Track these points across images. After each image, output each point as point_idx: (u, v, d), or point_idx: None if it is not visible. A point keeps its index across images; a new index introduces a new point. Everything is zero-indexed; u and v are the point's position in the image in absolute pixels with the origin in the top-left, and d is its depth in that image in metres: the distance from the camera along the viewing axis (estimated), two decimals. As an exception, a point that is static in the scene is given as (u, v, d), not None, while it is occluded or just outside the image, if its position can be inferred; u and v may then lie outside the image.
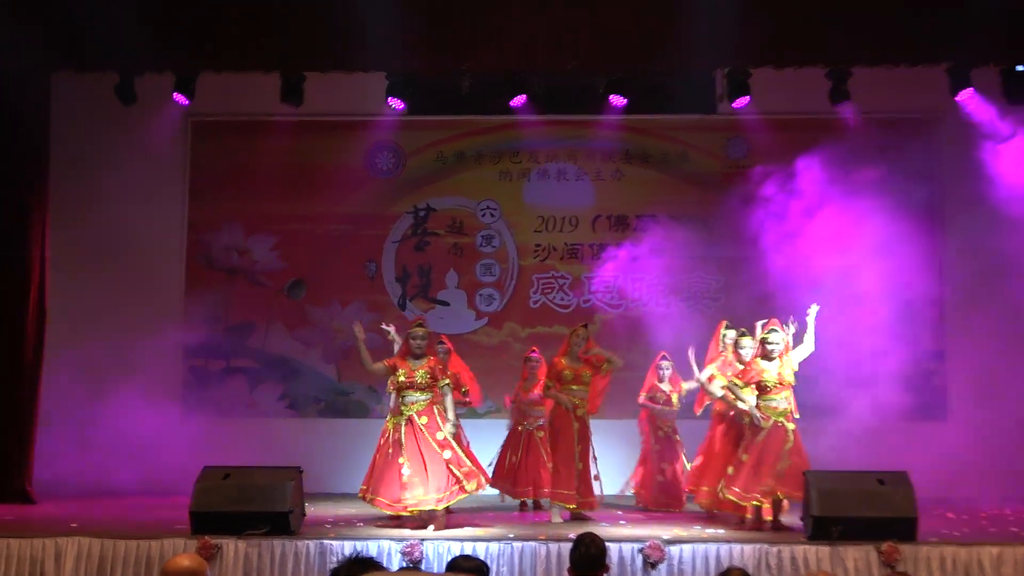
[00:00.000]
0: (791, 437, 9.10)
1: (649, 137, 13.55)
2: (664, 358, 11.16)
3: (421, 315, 10.99)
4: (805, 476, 8.60)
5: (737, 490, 9.06)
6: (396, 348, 10.14)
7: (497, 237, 13.55)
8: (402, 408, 9.30)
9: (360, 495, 9.39)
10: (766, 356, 9.28)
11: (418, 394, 9.26)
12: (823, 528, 8.22)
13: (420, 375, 9.31)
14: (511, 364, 12.25)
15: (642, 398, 11.08)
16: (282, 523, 8.44)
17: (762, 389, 9.21)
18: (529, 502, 10.69)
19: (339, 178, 13.43)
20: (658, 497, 10.71)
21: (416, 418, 9.20)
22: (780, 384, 9.17)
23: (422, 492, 8.93)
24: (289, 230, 13.49)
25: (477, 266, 13.52)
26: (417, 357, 9.44)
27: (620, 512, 10.50)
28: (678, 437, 10.94)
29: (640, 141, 13.52)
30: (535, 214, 13.46)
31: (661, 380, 11.05)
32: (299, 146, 13.40)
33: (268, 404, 13.26)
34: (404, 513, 9.06)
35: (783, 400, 9.20)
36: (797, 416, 9.33)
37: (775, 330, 9.37)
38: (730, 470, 9.22)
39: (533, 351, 11.26)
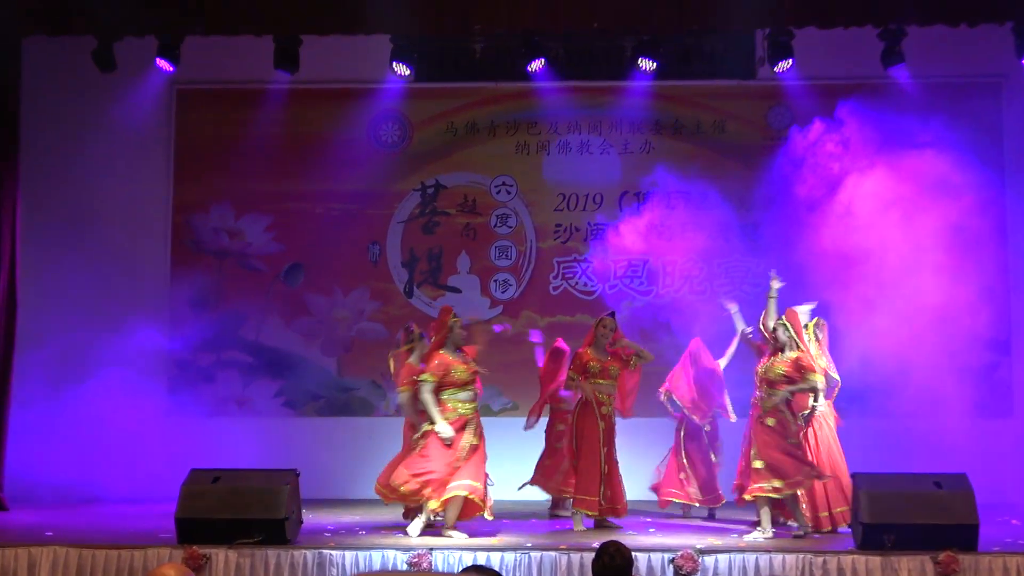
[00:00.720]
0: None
1: (682, 105, 13.50)
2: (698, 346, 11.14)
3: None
4: (853, 479, 8.58)
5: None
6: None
7: (513, 216, 13.54)
8: (456, 406, 9.44)
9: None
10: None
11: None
12: (874, 536, 8.20)
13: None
14: (529, 357, 12.22)
15: (662, 395, 11.01)
16: (277, 531, 8.46)
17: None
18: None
19: (339, 152, 13.44)
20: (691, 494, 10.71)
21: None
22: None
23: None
24: (285, 210, 13.52)
25: (492, 249, 13.53)
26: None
27: (648, 519, 10.50)
28: (707, 428, 10.90)
29: (672, 110, 13.48)
30: (555, 191, 13.44)
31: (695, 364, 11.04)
32: (295, 117, 13.41)
33: (262, 401, 13.31)
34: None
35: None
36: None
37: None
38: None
39: (558, 341, 11.25)
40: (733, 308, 10.60)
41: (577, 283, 13.35)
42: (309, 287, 13.47)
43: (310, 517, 9.80)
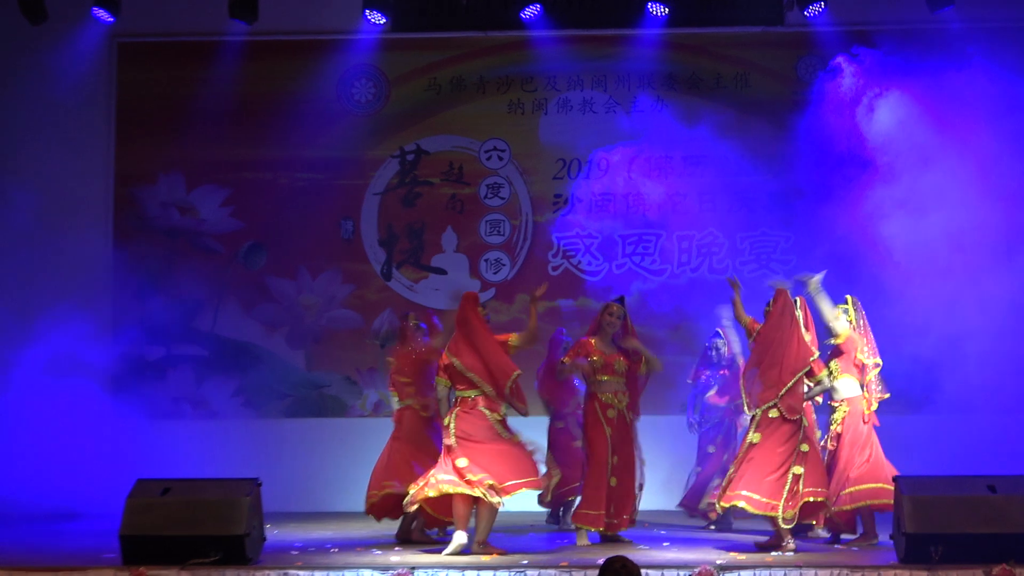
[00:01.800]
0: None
1: (699, 56, 13.51)
2: (718, 335, 11.16)
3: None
4: (896, 483, 8.61)
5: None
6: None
7: (506, 186, 13.56)
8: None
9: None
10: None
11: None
12: (919, 548, 8.22)
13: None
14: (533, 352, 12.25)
15: (712, 395, 11.08)
16: (236, 549, 8.48)
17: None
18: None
19: (305, 115, 13.48)
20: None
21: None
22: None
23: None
24: (244, 180, 13.56)
25: (482, 223, 13.55)
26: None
27: (664, 531, 10.54)
28: (736, 430, 10.97)
29: (687, 61, 13.49)
30: (554, 156, 13.45)
31: (712, 363, 11.07)
32: (254, 74, 13.44)
33: (219, 401, 13.36)
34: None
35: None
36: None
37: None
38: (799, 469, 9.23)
39: (560, 331, 11.26)
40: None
41: (580, 261, 13.36)
42: (272, 269, 13.50)
43: (274, 533, 9.82)
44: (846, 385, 9.63)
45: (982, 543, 8.18)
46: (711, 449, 10.95)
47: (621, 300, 10.05)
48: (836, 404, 9.68)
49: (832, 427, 9.68)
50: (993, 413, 11.36)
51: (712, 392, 11.04)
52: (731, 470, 9.31)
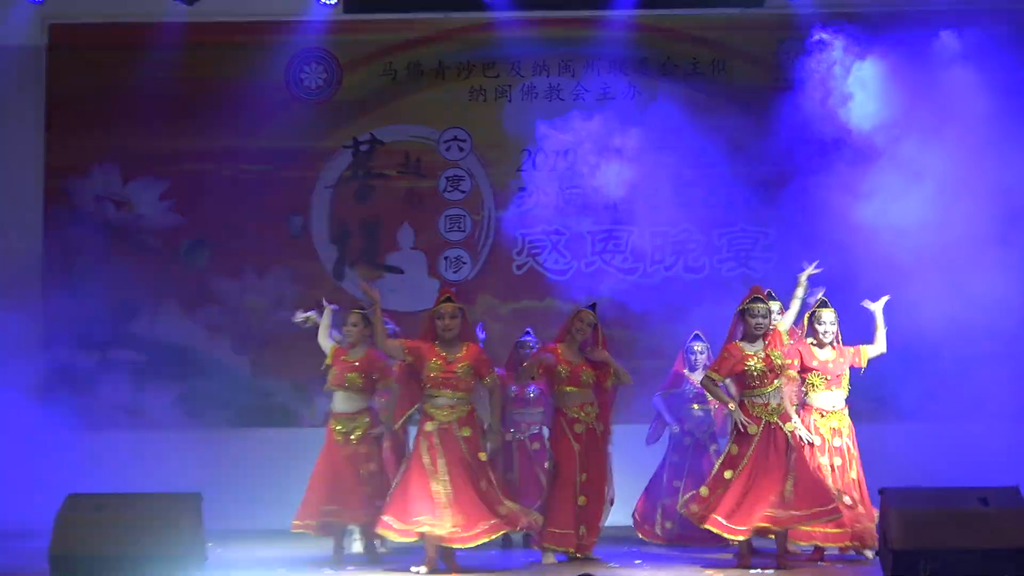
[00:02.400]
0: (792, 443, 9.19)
1: (673, 40, 13.54)
2: (697, 337, 11.18)
3: (449, 289, 10.32)
4: (883, 496, 8.64)
5: (721, 520, 9.09)
6: (328, 334, 10.18)
7: (467, 179, 13.55)
8: (432, 413, 9.13)
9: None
10: (750, 334, 9.35)
11: (454, 395, 9.16)
12: (907, 565, 8.25)
13: (461, 368, 9.21)
14: (488, 351, 12.22)
15: (660, 401, 11.10)
16: (175, 570, 8.45)
17: (746, 381, 9.29)
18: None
19: (251, 102, 13.42)
20: (685, 528, 10.76)
21: (456, 429, 9.11)
22: (769, 372, 9.21)
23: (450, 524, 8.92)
24: (184, 172, 13.50)
25: (441, 219, 13.54)
26: (449, 343, 9.29)
27: (636, 548, 10.55)
28: (715, 449, 10.97)
29: (662, 46, 13.52)
30: (519, 146, 13.44)
31: (693, 368, 11.07)
32: (195, 59, 13.39)
33: (158, 410, 13.30)
34: (413, 539, 9.07)
35: (776, 394, 9.26)
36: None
37: (758, 299, 9.42)
38: (703, 491, 9.24)
39: (527, 333, 11.25)
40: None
41: (547, 260, 13.36)
42: (215, 268, 13.45)
43: (218, 552, 9.78)
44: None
45: (974, 559, 8.22)
46: (677, 483, 10.92)
47: (593, 307, 10.04)
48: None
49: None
50: (985, 421, 11.42)
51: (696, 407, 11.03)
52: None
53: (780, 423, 9.16)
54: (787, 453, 9.13)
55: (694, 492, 9.45)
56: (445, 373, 9.15)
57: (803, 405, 9.85)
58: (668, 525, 10.88)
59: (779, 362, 9.24)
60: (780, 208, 12.82)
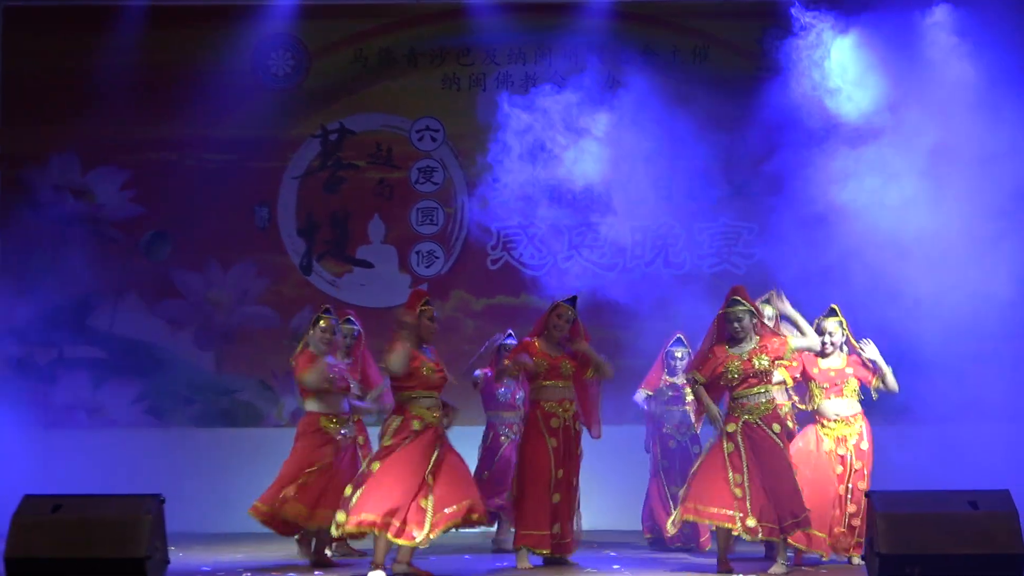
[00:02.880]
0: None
1: (654, 28, 13.58)
2: (679, 341, 11.17)
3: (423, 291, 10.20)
4: (868, 498, 8.66)
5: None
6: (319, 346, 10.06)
7: (440, 170, 13.54)
8: (421, 413, 9.11)
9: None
10: (733, 337, 9.33)
11: (438, 396, 9.20)
12: (894, 570, 8.28)
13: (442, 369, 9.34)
14: (463, 350, 12.24)
15: (640, 396, 11.11)
16: (136, 573, 8.42)
17: (724, 382, 9.30)
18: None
19: (216, 88, 13.40)
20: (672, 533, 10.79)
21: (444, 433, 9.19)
22: (751, 376, 9.22)
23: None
24: (146, 162, 13.47)
25: (413, 211, 13.53)
26: (428, 344, 9.34)
27: (614, 554, 10.56)
28: (698, 450, 10.98)
29: (642, 33, 13.56)
30: (493, 138, 13.42)
31: (672, 372, 11.08)
32: (158, 44, 13.36)
33: (118, 408, 13.27)
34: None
35: (758, 397, 9.26)
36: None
37: (736, 301, 9.37)
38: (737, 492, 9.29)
39: (508, 335, 11.16)
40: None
41: (522, 255, 13.35)
42: (178, 261, 13.42)
43: (180, 556, 9.75)
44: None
45: (963, 564, 8.24)
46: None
47: (572, 301, 9.92)
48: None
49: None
50: (975, 422, 11.45)
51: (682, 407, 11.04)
52: None
53: (761, 422, 9.14)
54: (769, 453, 9.11)
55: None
56: (439, 374, 9.14)
57: (817, 413, 9.89)
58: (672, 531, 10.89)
59: (760, 367, 9.20)
60: (764, 202, 12.84)
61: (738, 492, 9.02)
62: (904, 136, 10.97)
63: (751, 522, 8.95)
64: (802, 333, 9.43)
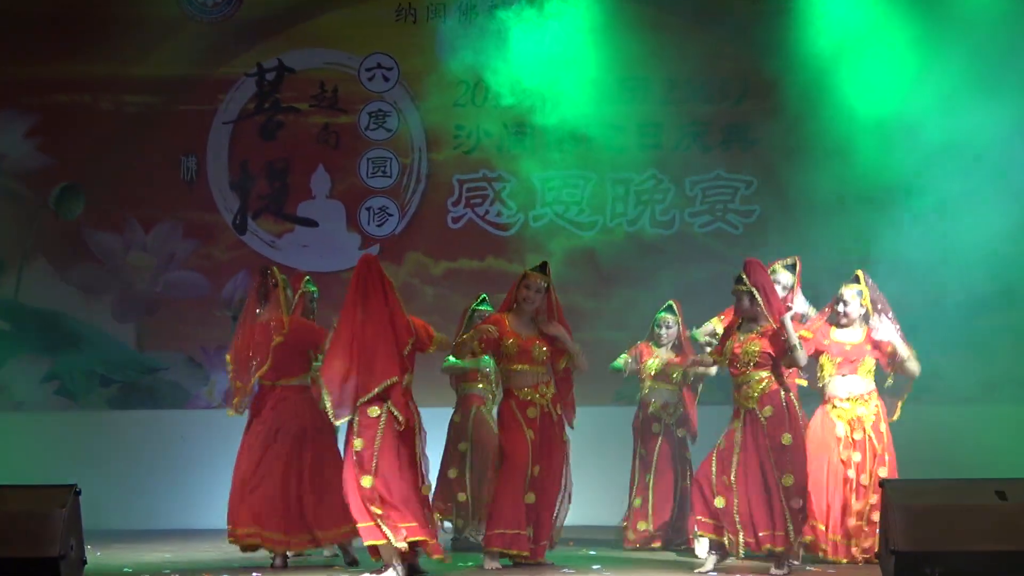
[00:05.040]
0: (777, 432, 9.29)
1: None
2: (669, 308, 11.18)
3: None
4: (883, 488, 8.74)
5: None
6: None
7: (394, 114, 13.52)
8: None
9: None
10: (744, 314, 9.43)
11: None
12: (911, 569, 8.35)
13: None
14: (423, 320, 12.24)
15: (622, 362, 11.08)
16: (49, 574, 8.44)
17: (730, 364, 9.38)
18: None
19: (135, 21, 13.35)
20: (656, 532, 10.85)
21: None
22: (741, 362, 9.28)
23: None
24: (55, 105, 13.44)
25: (362, 162, 13.52)
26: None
27: (592, 552, 10.62)
28: (683, 434, 11.03)
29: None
30: (456, 76, 13.41)
31: (659, 343, 11.11)
32: (68, -32, 13.32)
33: (25, 388, 13.27)
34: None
35: (749, 380, 9.33)
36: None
37: (739, 277, 9.39)
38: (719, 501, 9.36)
39: (482, 300, 11.10)
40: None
41: (488, 212, 13.37)
42: (93, 220, 13.39)
43: (98, 555, 9.77)
44: None
45: (989, 563, 8.31)
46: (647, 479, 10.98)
47: (543, 267, 9.78)
48: None
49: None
50: (1004, 403, 11.53)
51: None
52: None
53: (759, 411, 9.20)
54: (768, 441, 9.18)
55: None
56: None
57: (825, 393, 9.93)
58: (642, 527, 10.93)
59: (748, 356, 9.23)
60: (764, 154, 12.90)
61: (719, 503, 9.14)
62: (924, 74, 11.06)
63: (740, 538, 9.09)
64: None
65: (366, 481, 8.71)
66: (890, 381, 9.86)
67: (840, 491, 9.76)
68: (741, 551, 9.10)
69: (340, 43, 13.52)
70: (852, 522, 9.74)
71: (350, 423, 8.83)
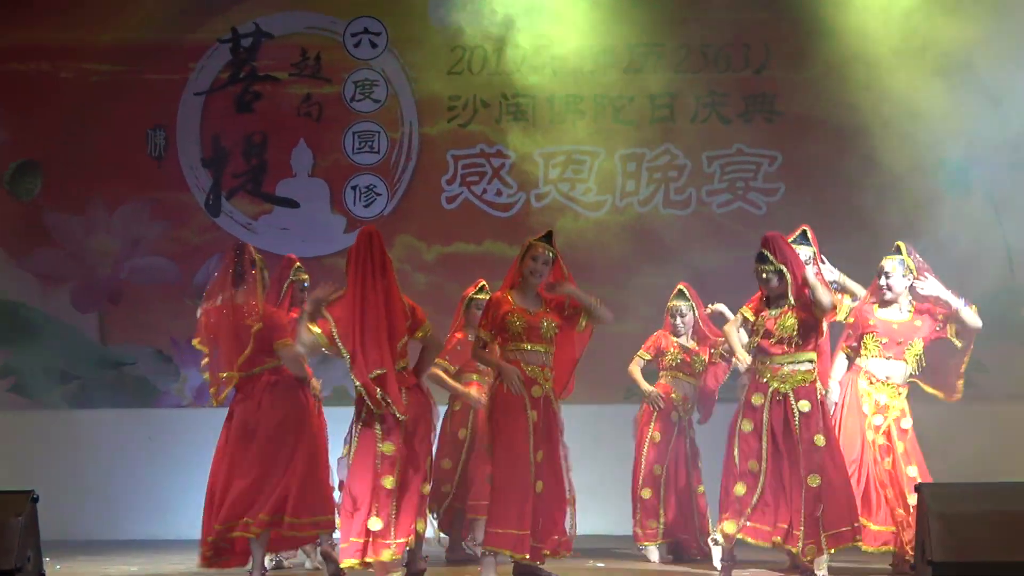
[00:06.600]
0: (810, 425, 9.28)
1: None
2: (680, 294, 11.19)
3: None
4: (919, 493, 8.75)
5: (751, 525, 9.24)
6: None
7: (382, 84, 13.53)
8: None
9: None
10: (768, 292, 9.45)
11: None
12: (950, 583, 8.38)
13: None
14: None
15: (639, 365, 11.13)
16: (3, 590, 8.48)
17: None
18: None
19: (98, -19, 13.40)
20: (670, 526, 10.88)
21: None
22: (776, 340, 9.30)
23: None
24: (10, 74, 13.47)
25: (347, 136, 13.53)
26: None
27: (601, 564, 10.64)
28: (692, 434, 11.06)
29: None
30: (450, 43, 13.43)
31: (677, 334, 11.12)
32: (23, -77, 13.33)
33: (-23, 384, 13.28)
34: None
35: (793, 362, 9.34)
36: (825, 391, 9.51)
37: (762, 255, 9.41)
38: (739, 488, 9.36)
39: (481, 286, 11.13)
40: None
41: (486, 191, 13.37)
42: (52, 200, 13.41)
43: (57, 568, 9.79)
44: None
45: (1035, 575, 8.34)
46: (657, 470, 11.00)
47: (548, 237, 9.79)
48: None
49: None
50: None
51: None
52: None
53: (793, 400, 9.21)
54: (799, 436, 9.20)
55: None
56: None
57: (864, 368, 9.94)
58: (653, 525, 10.95)
59: (784, 332, 9.28)
60: (789, 127, 12.92)
61: (740, 489, 9.15)
62: (959, 45, 11.10)
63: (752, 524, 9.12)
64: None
65: (388, 482, 8.77)
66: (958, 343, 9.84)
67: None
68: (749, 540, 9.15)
69: (323, 5, 13.55)
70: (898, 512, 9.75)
71: (365, 423, 8.86)
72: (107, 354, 13.33)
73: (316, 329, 8.77)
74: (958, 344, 9.82)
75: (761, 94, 13.04)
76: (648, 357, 11.02)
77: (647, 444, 10.99)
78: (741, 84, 13.09)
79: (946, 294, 9.68)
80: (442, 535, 10.83)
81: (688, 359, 10.87)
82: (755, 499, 9.12)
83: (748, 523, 9.12)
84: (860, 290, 9.87)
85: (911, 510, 9.57)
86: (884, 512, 9.68)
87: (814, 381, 9.25)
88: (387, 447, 8.78)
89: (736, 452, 9.25)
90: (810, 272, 9.15)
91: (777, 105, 12.95)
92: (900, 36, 11.30)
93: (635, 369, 11.02)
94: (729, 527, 9.19)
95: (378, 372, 8.75)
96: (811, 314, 9.15)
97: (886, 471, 9.78)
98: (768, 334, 9.24)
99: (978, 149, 11.51)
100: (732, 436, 9.38)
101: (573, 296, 9.48)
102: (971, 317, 9.72)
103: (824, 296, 9.08)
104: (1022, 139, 11.74)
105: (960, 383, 9.89)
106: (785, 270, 9.09)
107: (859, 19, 11.53)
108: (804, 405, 9.14)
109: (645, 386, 10.88)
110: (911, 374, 9.86)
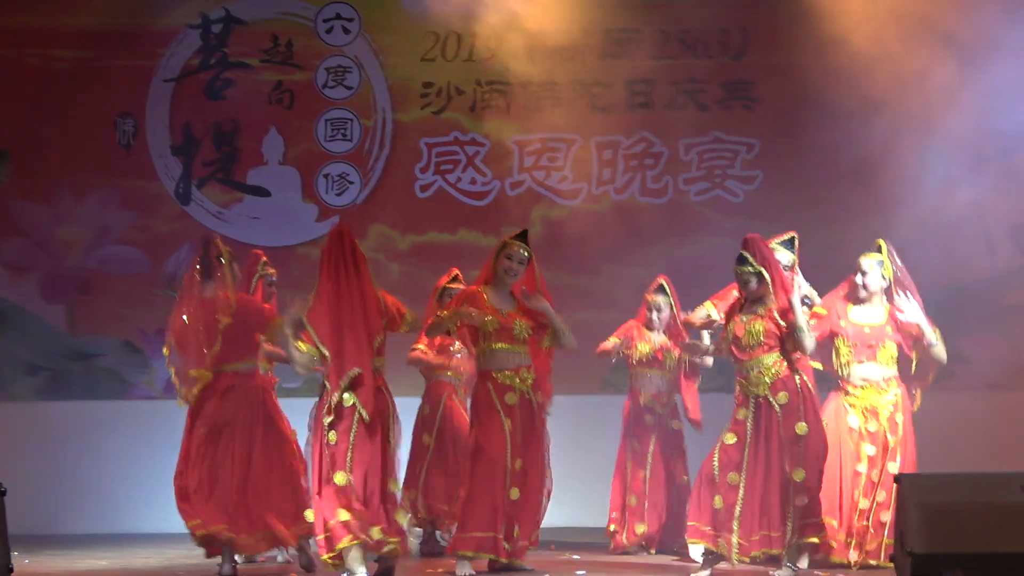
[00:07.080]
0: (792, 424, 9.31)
1: None
2: (660, 288, 11.21)
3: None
4: (899, 484, 8.81)
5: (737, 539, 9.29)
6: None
7: (355, 71, 13.55)
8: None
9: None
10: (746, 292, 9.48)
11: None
12: (929, 573, 8.42)
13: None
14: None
15: (611, 345, 11.11)
16: (-29, 584, 8.50)
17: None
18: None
19: (65, -37, 13.41)
20: (654, 534, 10.92)
21: None
22: (747, 345, 9.33)
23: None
24: (-26, 61, 13.47)
25: (319, 124, 13.55)
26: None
27: (577, 556, 10.68)
28: (678, 425, 11.08)
29: None
30: (423, 28, 13.45)
31: (651, 327, 11.14)
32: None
33: (-58, 376, 13.30)
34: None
35: (758, 364, 9.37)
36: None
37: (741, 257, 9.45)
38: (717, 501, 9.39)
39: (454, 276, 11.14)
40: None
41: (460, 179, 13.41)
42: (17, 188, 13.39)
43: (26, 563, 9.79)
44: None
45: (1014, 566, 8.39)
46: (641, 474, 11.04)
47: (523, 236, 9.82)
48: None
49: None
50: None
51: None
52: None
53: (772, 397, 9.24)
54: (781, 432, 9.24)
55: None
56: None
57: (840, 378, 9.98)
58: (640, 529, 10.99)
59: (752, 339, 9.30)
60: (768, 114, 12.96)
61: (718, 503, 9.20)
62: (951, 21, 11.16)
63: (734, 539, 9.14)
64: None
65: (340, 478, 8.77)
66: (914, 367, 9.88)
67: (849, 488, 9.82)
68: (734, 557, 9.15)
69: (294, -11, 13.59)
70: (856, 522, 9.81)
71: (317, 416, 8.88)
72: (76, 345, 13.33)
73: (303, 346, 8.78)
74: (913, 366, 9.96)
75: (739, 81, 13.10)
76: (617, 341, 11.03)
77: (627, 450, 11.06)
78: (719, 70, 13.14)
79: (925, 325, 9.76)
80: (416, 528, 10.90)
81: (660, 356, 10.92)
82: (737, 511, 9.18)
83: (731, 537, 9.17)
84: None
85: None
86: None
87: (788, 368, 9.28)
88: (332, 436, 8.81)
89: (715, 462, 9.30)
90: (801, 316, 9.14)
91: (755, 92, 13.01)
92: (881, 22, 11.33)
93: (604, 344, 11.04)
94: (707, 540, 9.27)
95: (354, 373, 8.80)
96: (780, 328, 9.21)
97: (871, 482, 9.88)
98: (737, 340, 9.29)
99: (960, 136, 11.55)
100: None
101: (545, 313, 9.55)
102: (940, 354, 9.85)
103: (808, 341, 9.13)
104: (1004, 125, 11.80)
105: (919, 394, 9.97)
106: (765, 272, 9.13)
107: (839, 5, 11.57)
108: (782, 397, 9.16)
109: (614, 340, 11.00)
110: (893, 367, 9.91)
